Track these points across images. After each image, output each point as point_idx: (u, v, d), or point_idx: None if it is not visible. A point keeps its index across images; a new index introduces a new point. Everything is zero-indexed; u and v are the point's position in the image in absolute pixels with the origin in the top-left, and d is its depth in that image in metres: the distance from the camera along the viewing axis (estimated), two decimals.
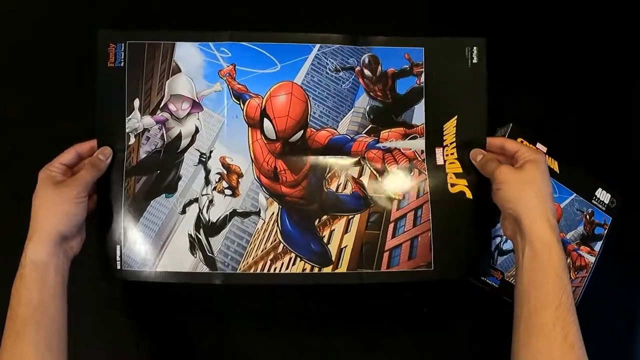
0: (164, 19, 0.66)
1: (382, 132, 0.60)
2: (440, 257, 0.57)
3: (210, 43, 0.59)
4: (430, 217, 0.58)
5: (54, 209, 0.52)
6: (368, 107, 0.60)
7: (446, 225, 0.58)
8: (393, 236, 0.58)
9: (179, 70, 0.59)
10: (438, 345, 0.64)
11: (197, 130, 0.59)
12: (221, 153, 0.59)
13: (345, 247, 0.58)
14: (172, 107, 0.59)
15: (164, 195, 0.58)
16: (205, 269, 0.57)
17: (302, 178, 0.59)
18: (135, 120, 0.58)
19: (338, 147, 0.59)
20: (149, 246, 0.57)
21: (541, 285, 0.47)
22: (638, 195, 0.67)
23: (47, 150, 0.62)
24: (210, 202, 0.58)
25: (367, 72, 0.60)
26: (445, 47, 0.60)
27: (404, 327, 0.63)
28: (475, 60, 0.59)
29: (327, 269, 0.57)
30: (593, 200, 0.64)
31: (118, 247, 0.57)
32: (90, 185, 0.55)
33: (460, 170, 0.58)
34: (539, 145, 0.62)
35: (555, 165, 0.63)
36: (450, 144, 0.59)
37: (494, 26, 0.67)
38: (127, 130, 0.58)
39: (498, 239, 0.61)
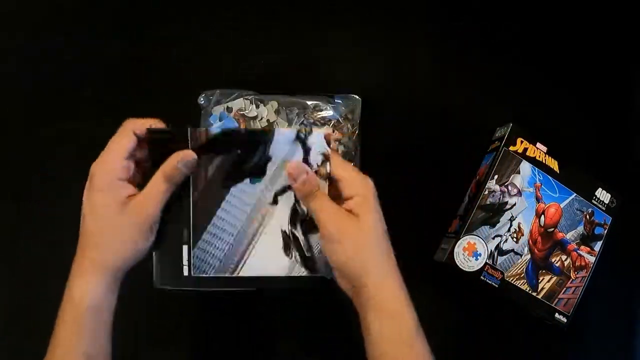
0: (163, 19, 0.66)
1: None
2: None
3: None
4: None
5: (119, 239, 0.40)
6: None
7: None
8: None
9: None
10: (438, 345, 0.64)
11: None
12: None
13: None
14: None
15: (248, 180, 0.46)
16: (302, 271, 0.47)
17: None
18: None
19: None
20: (230, 245, 0.47)
21: (393, 359, 0.41)
22: (638, 195, 0.67)
23: (47, 150, 0.62)
24: None
25: None
26: None
27: None
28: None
29: None
30: (593, 200, 0.64)
31: (185, 248, 0.46)
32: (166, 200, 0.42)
33: None
34: (539, 145, 0.62)
35: (555, 165, 0.63)
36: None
37: (494, 26, 0.67)
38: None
39: (498, 239, 0.61)
